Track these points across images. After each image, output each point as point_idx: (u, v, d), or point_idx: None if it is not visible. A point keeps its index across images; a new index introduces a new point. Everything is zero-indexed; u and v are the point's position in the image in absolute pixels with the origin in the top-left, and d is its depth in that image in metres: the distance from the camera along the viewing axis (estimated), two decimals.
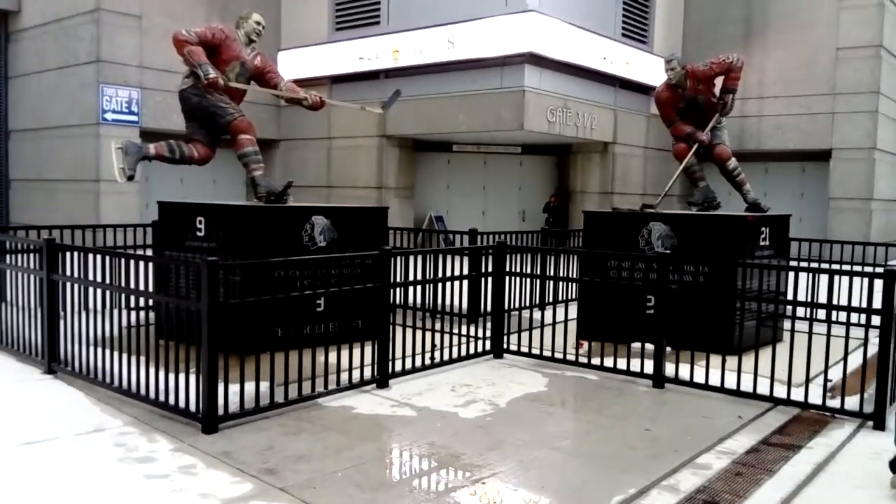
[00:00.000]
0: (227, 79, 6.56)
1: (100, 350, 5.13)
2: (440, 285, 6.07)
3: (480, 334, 6.42)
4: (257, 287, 4.86)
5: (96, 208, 14.58)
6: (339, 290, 5.12)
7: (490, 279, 6.36)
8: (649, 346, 5.90)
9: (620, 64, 16.19)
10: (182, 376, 4.48)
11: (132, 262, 4.84)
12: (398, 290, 5.89)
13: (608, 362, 5.82)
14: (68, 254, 5.43)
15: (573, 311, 6.55)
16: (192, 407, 4.43)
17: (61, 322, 5.45)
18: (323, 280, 5.29)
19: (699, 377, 5.44)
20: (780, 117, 17.84)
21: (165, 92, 15.13)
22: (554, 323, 6.44)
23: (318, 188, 17.27)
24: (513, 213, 18.43)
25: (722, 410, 5.01)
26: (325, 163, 17.45)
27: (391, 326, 5.41)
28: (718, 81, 7.66)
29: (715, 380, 5.33)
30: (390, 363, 5.40)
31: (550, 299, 8.47)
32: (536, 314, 7.57)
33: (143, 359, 4.79)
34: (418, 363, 5.69)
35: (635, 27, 17.15)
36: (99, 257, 5.10)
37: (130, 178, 6.35)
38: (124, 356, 4.90)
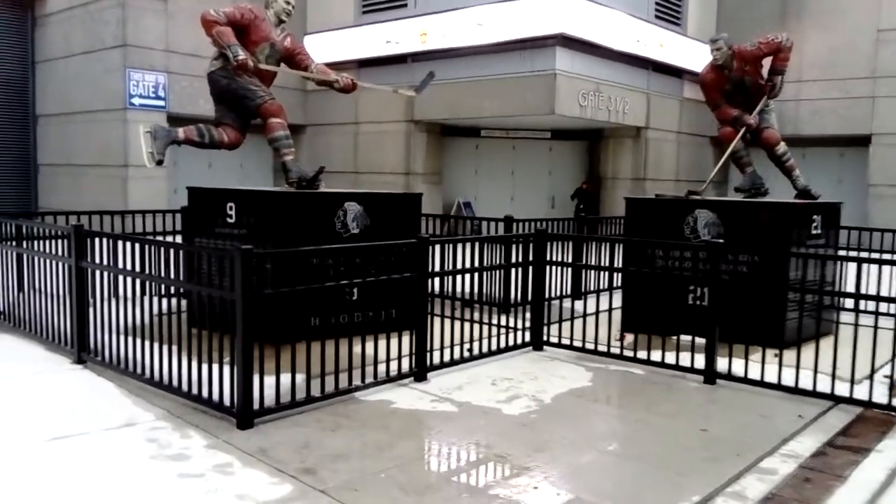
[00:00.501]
0: (257, 60, 6.35)
1: (130, 339, 4.97)
2: (476, 274, 5.84)
3: (517, 325, 6.17)
4: (290, 275, 4.67)
5: (124, 193, 14.52)
6: (377, 279, 4.90)
7: (530, 268, 6.11)
8: (697, 340, 5.64)
9: (654, 46, 15.78)
10: (216, 368, 4.31)
11: (163, 250, 4.65)
12: (434, 279, 5.65)
13: (654, 356, 5.57)
14: (97, 240, 5.27)
15: (613, 300, 6.26)
16: (227, 400, 4.26)
17: (91, 310, 5.31)
18: (357, 269, 5.09)
19: (753, 373, 5.17)
20: (818, 101, 17.32)
21: (192, 76, 15.01)
22: (596, 313, 6.19)
23: (345, 174, 17.08)
24: (542, 199, 18.12)
25: (780, 409, 4.74)
26: (351, 148, 17.25)
27: (428, 317, 5.19)
28: (766, 62, 7.31)
29: (771, 376, 5.05)
30: (428, 356, 5.19)
31: (591, 288, 8.23)
32: (573, 304, 7.32)
33: (175, 348, 4.62)
34: (456, 355, 5.48)
35: (669, 9, 16.71)
36: (129, 244, 4.92)
37: (159, 162, 6.17)
38: (156, 345, 4.74)
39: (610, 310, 6.01)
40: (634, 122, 16.11)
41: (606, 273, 7.94)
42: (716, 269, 5.29)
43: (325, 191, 6.48)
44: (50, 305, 5.77)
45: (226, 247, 6.25)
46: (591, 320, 6.14)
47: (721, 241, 5.37)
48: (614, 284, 8.22)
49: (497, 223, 7.91)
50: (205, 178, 16.36)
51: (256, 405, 4.20)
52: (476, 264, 5.80)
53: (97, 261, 5.24)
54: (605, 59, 14.88)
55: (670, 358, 5.52)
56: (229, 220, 6.28)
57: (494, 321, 6.01)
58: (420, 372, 5.11)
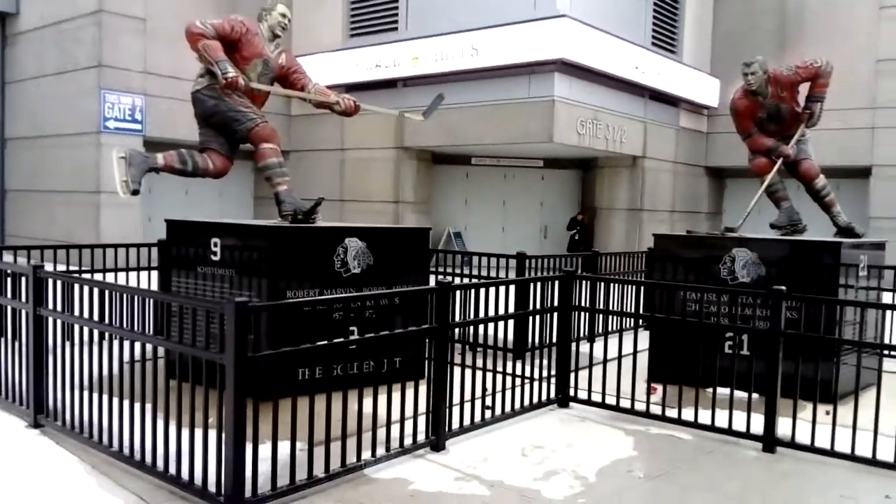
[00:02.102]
0: (248, 79, 5.66)
1: (96, 396, 4.19)
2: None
3: (535, 374, 5.40)
4: (287, 326, 3.94)
5: (96, 221, 13.68)
6: (392, 333, 4.18)
7: (555, 314, 5.42)
8: (737, 394, 4.98)
9: (652, 74, 15.33)
10: (199, 434, 3.54)
11: (136, 299, 3.90)
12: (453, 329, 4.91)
13: (701, 416, 4.88)
14: (59, 282, 4.50)
15: (628, 344, 5.57)
16: (212, 482, 3.49)
17: (49, 360, 4.52)
18: (360, 313, 4.37)
19: (811, 437, 4.50)
20: (817, 131, 16.94)
21: (171, 99, 14.28)
22: (619, 358, 5.50)
23: (330, 202, 16.32)
24: (534, 230, 17.53)
25: (860, 486, 4.06)
26: (337, 175, 16.56)
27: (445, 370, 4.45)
28: (802, 88, 6.76)
29: (843, 445, 4.38)
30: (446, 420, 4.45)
31: (602, 330, 7.53)
32: (585, 347, 6.60)
33: (148, 407, 3.85)
34: (477, 417, 4.74)
35: (665, 36, 16.33)
36: (95, 290, 4.16)
37: (135, 192, 5.42)
38: (125, 405, 3.96)
39: (621, 356, 5.28)
40: (631, 152, 15.61)
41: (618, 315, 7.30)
42: (777, 317, 4.63)
43: (322, 225, 5.77)
44: (2, 356, 4.96)
45: (210, 290, 5.53)
46: (613, 368, 5.44)
47: (783, 287, 4.70)
48: (627, 326, 7.67)
49: (507, 259, 7.20)
50: (181, 207, 15.57)
51: (249, 491, 3.45)
52: (495, 308, 5.08)
53: (59, 306, 4.46)
54: (602, 86, 14.41)
55: (721, 420, 4.82)
56: (214, 257, 5.54)
57: (508, 369, 5.27)
58: (437, 440, 4.37)
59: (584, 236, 16.37)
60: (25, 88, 15.44)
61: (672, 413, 4.99)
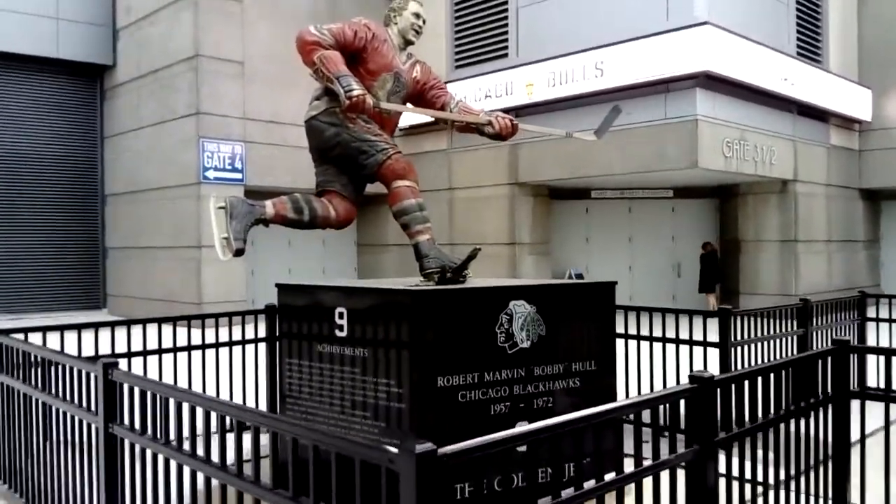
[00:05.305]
0: (377, 98, 4.34)
1: None
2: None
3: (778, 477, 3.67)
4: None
5: (197, 278, 12.81)
6: (637, 472, 2.63)
7: (829, 406, 3.73)
8: None
9: (801, 86, 13.40)
10: None
11: (246, 422, 2.52)
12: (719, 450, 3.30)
13: None
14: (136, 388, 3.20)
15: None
16: None
17: (127, 488, 3.20)
18: (529, 403, 2.86)
19: None
20: None
21: (271, 145, 13.48)
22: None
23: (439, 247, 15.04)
24: (665, 268, 15.68)
25: None
26: (446, 217, 15.25)
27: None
28: None
29: None
30: None
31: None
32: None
33: None
34: None
35: (809, 43, 14.40)
36: (186, 406, 2.81)
37: (239, 252, 4.11)
38: None
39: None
40: (781, 175, 13.64)
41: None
42: None
43: (480, 286, 4.31)
44: (73, 475, 3.71)
45: (332, 377, 4.17)
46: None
47: None
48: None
49: (704, 319, 5.52)
50: (284, 260, 14.66)
51: None
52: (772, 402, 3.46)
53: (137, 421, 3.14)
54: (748, 101, 12.60)
55: None
56: (339, 332, 4.17)
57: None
58: None
59: (710, 268, 14.37)
60: (124, 143, 14.95)
61: None
